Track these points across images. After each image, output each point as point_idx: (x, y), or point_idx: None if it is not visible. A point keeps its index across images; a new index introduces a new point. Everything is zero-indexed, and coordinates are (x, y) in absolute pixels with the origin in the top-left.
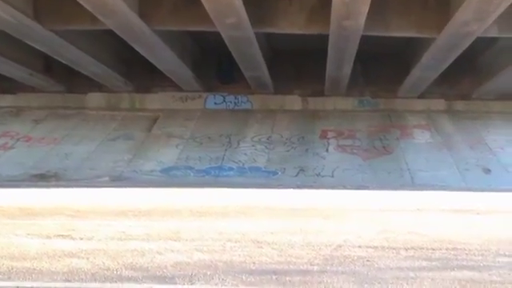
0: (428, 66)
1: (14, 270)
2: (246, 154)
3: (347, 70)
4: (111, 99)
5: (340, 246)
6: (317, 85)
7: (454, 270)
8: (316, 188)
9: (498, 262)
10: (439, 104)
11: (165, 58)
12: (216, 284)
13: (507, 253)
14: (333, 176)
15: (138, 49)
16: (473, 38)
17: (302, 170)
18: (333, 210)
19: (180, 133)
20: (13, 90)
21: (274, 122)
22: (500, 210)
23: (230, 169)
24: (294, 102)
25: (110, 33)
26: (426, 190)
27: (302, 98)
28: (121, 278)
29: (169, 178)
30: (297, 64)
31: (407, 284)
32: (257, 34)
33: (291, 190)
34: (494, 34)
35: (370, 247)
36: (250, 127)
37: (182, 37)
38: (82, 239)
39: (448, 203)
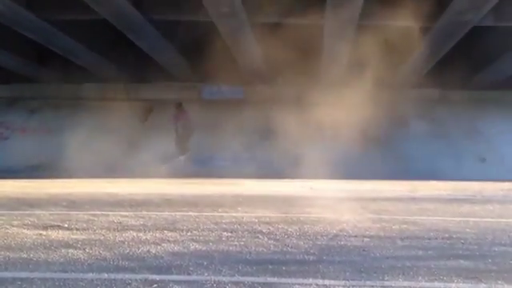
0: (424, 56)
1: (11, 260)
2: (241, 144)
3: (342, 59)
4: (106, 89)
5: (336, 236)
6: (312, 74)
7: (449, 259)
8: (312, 178)
9: (494, 251)
10: (435, 93)
11: (159, 48)
12: (212, 274)
13: (503, 242)
14: (328, 166)
15: (132, 38)
16: (468, 28)
17: (297, 160)
18: (328, 199)
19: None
20: (7, 80)
21: (269, 113)
22: (495, 199)
23: (226, 159)
24: (289, 92)
25: (104, 22)
26: (422, 179)
27: (298, 88)
28: (117, 269)
29: (164, 168)
30: (292, 54)
31: (403, 273)
32: (251, 24)
33: (286, 179)
34: (489, 23)
35: (366, 237)
36: (246, 117)
37: (177, 26)
38: (78, 230)
39: (443, 192)
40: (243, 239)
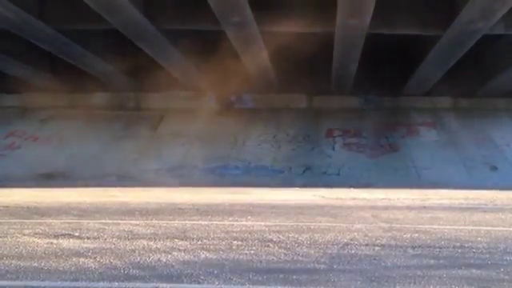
0: (434, 64)
1: (22, 269)
2: (251, 153)
3: (353, 67)
4: (117, 98)
5: (347, 245)
6: (322, 83)
7: (461, 268)
8: (322, 186)
9: (506, 260)
10: (445, 101)
11: (170, 57)
12: (223, 283)
13: None
14: (339, 174)
15: (143, 48)
16: (479, 36)
17: (308, 168)
18: (339, 208)
19: (185, 132)
20: (19, 90)
21: (279, 121)
22: (507, 207)
23: (236, 168)
24: (299, 100)
25: (115, 32)
26: (433, 187)
27: (308, 96)
28: (128, 277)
29: (175, 176)
30: (302, 62)
31: (414, 282)
32: (262, 32)
33: (297, 188)
34: (500, 31)
35: (377, 245)
36: (256, 126)
37: (188, 35)
38: (89, 238)
39: (455, 201)
40: (254, 248)
